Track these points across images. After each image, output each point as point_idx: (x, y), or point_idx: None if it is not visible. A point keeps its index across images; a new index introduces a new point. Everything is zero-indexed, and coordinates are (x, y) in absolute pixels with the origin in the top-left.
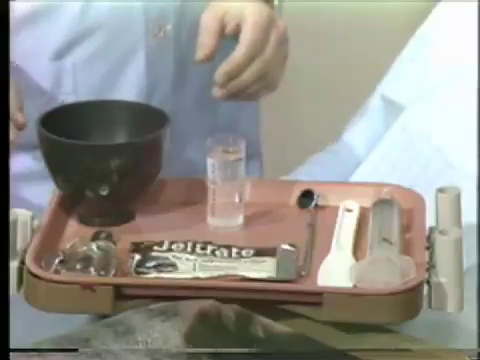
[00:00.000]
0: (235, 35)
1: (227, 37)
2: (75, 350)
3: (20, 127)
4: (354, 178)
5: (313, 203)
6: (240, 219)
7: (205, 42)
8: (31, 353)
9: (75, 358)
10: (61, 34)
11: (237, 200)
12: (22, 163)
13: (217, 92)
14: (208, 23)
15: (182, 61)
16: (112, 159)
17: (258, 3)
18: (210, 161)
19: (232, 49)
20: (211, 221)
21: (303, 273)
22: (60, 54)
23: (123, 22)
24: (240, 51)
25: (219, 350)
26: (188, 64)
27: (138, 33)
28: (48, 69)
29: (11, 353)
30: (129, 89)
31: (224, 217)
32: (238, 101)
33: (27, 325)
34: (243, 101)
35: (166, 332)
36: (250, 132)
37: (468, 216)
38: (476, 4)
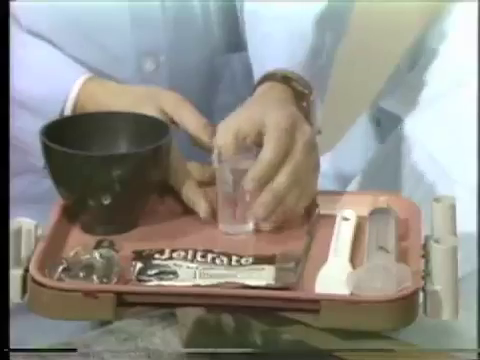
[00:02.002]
0: (260, 145)
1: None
2: (74, 350)
3: None
4: (351, 188)
5: (314, 212)
6: (250, 225)
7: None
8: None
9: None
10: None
11: (246, 206)
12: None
13: (257, 212)
14: (223, 135)
15: (177, 81)
16: (114, 169)
17: (278, 106)
18: (220, 169)
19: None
20: (222, 226)
21: (294, 280)
22: None
23: (114, 59)
24: (266, 153)
25: (217, 350)
26: (185, 81)
27: (130, 70)
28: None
29: (11, 353)
30: None
31: (235, 223)
32: (281, 220)
33: (30, 331)
34: (287, 218)
35: (167, 338)
36: None
37: (463, 225)
38: (472, 15)
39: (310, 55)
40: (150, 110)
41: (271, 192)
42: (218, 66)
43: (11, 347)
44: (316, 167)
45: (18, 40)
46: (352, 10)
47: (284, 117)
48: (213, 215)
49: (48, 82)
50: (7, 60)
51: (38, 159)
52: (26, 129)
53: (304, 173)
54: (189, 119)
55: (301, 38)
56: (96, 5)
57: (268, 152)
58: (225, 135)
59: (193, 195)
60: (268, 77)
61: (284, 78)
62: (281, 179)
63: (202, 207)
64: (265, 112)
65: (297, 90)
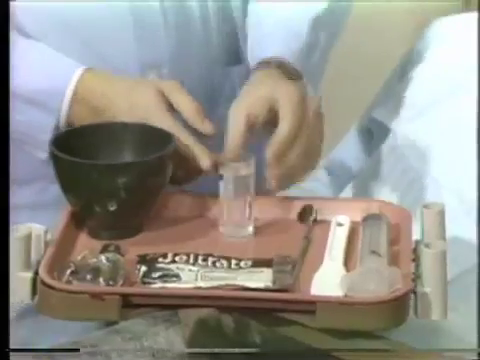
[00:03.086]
0: (271, 121)
1: (262, 127)
2: (77, 350)
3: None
4: (345, 194)
5: (311, 218)
6: (250, 229)
7: (233, 140)
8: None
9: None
10: None
11: (247, 212)
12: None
13: (271, 184)
14: (235, 119)
15: None
16: (119, 177)
17: (285, 82)
18: (223, 176)
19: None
20: (224, 231)
21: (291, 282)
22: None
23: (119, 72)
24: (284, 129)
25: (216, 350)
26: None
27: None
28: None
29: (11, 353)
30: None
31: (236, 227)
32: (288, 186)
33: (38, 331)
34: (291, 184)
35: (170, 338)
36: None
37: (451, 230)
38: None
39: (304, 52)
40: (147, 92)
41: (285, 165)
42: (218, 79)
43: (11, 347)
44: (322, 135)
45: (13, 40)
46: (349, 13)
47: (295, 91)
48: (215, 167)
49: (47, 76)
50: (7, 60)
51: (43, 152)
52: (32, 123)
53: (313, 143)
54: (184, 102)
55: (297, 37)
56: (98, 15)
57: (286, 126)
58: (238, 117)
59: (194, 147)
60: (262, 64)
61: (278, 65)
62: (295, 152)
63: (204, 158)
64: (274, 89)
65: (290, 75)
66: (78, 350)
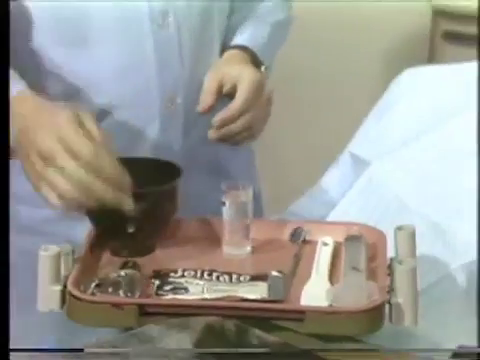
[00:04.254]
0: (232, 94)
1: (225, 94)
2: (81, 350)
3: None
4: (329, 218)
5: (301, 238)
6: (248, 248)
7: (206, 99)
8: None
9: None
10: (92, 107)
11: (246, 233)
12: None
13: (212, 134)
14: (209, 84)
15: (190, 118)
16: (137, 204)
17: (252, 69)
18: (225, 202)
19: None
20: (226, 250)
21: (283, 294)
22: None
23: (143, 98)
24: (235, 105)
25: (220, 351)
26: (194, 118)
27: (154, 107)
28: None
29: (11, 353)
30: (147, 144)
31: (236, 246)
32: (226, 144)
33: (67, 335)
34: (230, 145)
35: (180, 341)
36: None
37: (420, 249)
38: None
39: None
40: (64, 109)
41: (226, 131)
42: (221, 105)
43: (11, 347)
44: (266, 117)
45: None
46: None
47: (256, 75)
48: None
49: None
50: (7, 60)
51: None
52: None
53: (258, 121)
54: (94, 130)
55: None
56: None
57: (238, 103)
58: (212, 82)
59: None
60: (233, 47)
61: (245, 49)
62: (238, 124)
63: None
64: (241, 69)
65: (254, 58)
66: (82, 350)
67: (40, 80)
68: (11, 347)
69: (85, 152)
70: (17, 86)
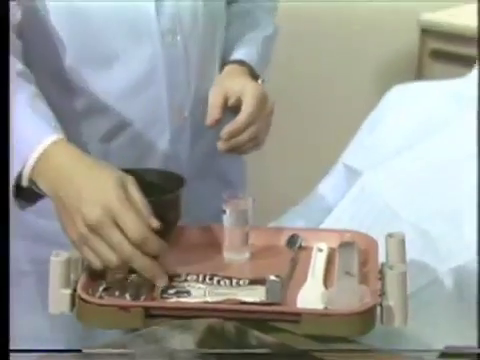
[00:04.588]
0: (236, 107)
1: (230, 108)
2: (79, 351)
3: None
4: (323, 225)
5: (297, 244)
6: (247, 254)
7: (213, 113)
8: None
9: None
10: (108, 122)
11: (245, 239)
12: None
13: (221, 146)
14: (215, 98)
15: (196, 130)
16: None
17: (254, 82)
18: (226, 210)
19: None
20: (226, 255)
21: (281, 297)
22: (106, 138)
23: (154, 113)
24: (241, 118)
25: (221, 351)
26: (201, 129)
27: (164, 122)
28: (97, 149)
29: (11, 353)
30: (158, 155)
31: (236, 252)
32: (233, 154)
33: (78, 336)
34: (237, 154)
35: (183, 341)
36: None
37: (410, 254)
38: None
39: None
40: (107, 173)
41: (233, 142)
42: (227, 118)
43: (11, 348)
44: (269, 127)
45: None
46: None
47: (259, 89)
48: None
49: (15, 137)
50: (7, 60)
51: None
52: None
53: (261, 132)
54: (139, 199)
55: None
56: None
57: (244, 116)
58: (217, 97)
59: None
60: (232, 62)
61: (243, 63)
62: (244, 136)
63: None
64: (245, 83)
65: (252, 72)
66: (80, 351)
67: (65, 98)
68: (21, 348)
69: (131, 227)
70: (53, 135)
